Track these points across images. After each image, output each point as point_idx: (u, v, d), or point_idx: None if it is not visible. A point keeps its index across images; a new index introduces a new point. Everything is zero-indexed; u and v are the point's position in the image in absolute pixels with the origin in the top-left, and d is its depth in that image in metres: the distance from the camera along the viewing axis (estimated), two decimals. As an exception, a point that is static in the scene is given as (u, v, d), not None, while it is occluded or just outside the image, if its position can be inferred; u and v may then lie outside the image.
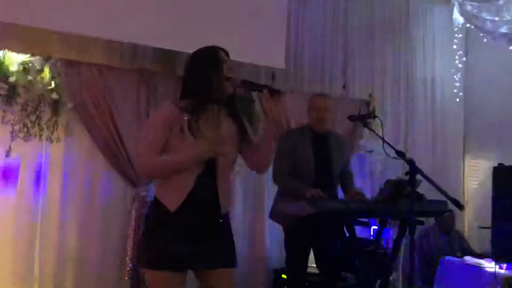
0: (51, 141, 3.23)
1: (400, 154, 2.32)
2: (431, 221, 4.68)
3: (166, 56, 3.78)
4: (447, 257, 3.92)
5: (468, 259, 3.72)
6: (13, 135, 3.08)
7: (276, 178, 3.00)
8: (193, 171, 1.77)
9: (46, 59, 3.25)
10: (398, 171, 5.09)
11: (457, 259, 3.83)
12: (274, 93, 1.79)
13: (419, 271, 4.65)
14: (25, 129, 3.13)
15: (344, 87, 4.82)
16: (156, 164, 1.79)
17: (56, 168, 3.28)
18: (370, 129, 2.62)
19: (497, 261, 3.31)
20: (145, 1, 3.53)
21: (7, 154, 3.07)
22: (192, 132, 1.76)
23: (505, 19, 3.62)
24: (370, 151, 4.64)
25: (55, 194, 3.27)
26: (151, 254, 1.76)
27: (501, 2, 3.54)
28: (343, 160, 3.07)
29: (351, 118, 2.74)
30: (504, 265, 3.35)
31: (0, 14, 3.03)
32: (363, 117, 2.68)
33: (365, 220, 2.45)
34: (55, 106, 3.25)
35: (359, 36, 4.93)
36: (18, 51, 3.17)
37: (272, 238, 3.98)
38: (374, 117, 4.63)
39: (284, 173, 2.94)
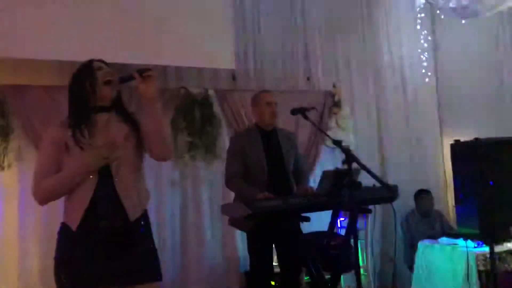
0: (2, 168, 3.19)
1: (337, 143, 2.27)
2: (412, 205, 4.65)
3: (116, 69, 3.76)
4: (424, 240, 3.85)
5: (444, 240, 3.65)
6: (-39, 166, 3.06)
7: (227, 182, 2.94)
8: (87, 184, 1.72)
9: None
10: (373, 159, 5.06)
11: (433, 241, 3.76)
12: (143, 73, 1.77)
13: (405, 256, 4.60)
14: (-26, 159, 3.10)
15: (308, 79, 4.77)
16: (46, 187, 1.76)
17: (11, 195, 3.25)
18: (310, 120, 2.56)
19: (465, 239, 3.24)
20: (88, 19, 3.49)
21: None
22: (77, 144, 1.73)
23: (453, -8, 3.56)
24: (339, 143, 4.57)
25: (13, 222, 3.23)
26: (62, 277, 1.72)
27: (449, -25, 3.48)
28: (294, 155, 3.02)
29: (292, 111, 2.69)
30: (477, 244, 3.28)
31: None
32: (304, 109, 2.62)
33: (307, 215, 2.39)
34: (4, 132, 3.21)
35: (319, 26, 4.87)
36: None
37: (244, 240, 3.94)
38: (338, 106, 4.69)
39: (236, 177, 2.89)
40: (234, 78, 4.38)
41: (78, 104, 1.80)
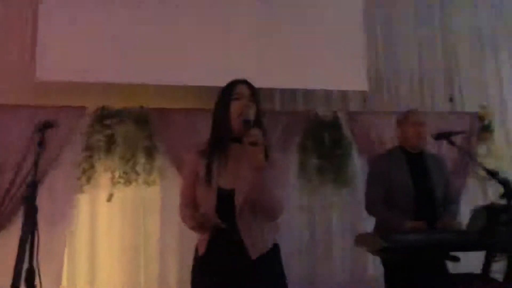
0: (148, 185, 3.47)
1: (492, 173, 1.94)
2: None
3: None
4: None
5: None
6: (113, 181, 3.41)
7: (369, 208, 2.75)
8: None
9: (140, 109, 3.56)
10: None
11: None
12: (249, 139, 1.61)
13: None
14: (125, 175, 3.43)
15: (451, 100, 4.31)
16: (183, 217, 1.78)
17: (153, 209, 3.50)
18: (458, 147, 2.25)
19: None
20: (223, 45, 3.65)
21: (109, 199, 3.40)
22: (206, 177, 1.71)
23: None
24: (495, 173, 3.97)
25: (154, 235, 3.47)
26: None
27: None
28: (444, 183, 2.69)
29: (436, 136, 2.41)
30: None
31: (101, 76, 3.43)
32: (450, 134, 2.31)
33: (456, 255, 2.06)
34: (149, 152, 3.51)
35: (464, 40, 4.40)
36: (115, 105, 3.53)
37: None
38: (489, 130, 4.10)
39: (378, 202, 2.67)
40: (365, 99, 4.18)
41: (215, 132, 1.79)
